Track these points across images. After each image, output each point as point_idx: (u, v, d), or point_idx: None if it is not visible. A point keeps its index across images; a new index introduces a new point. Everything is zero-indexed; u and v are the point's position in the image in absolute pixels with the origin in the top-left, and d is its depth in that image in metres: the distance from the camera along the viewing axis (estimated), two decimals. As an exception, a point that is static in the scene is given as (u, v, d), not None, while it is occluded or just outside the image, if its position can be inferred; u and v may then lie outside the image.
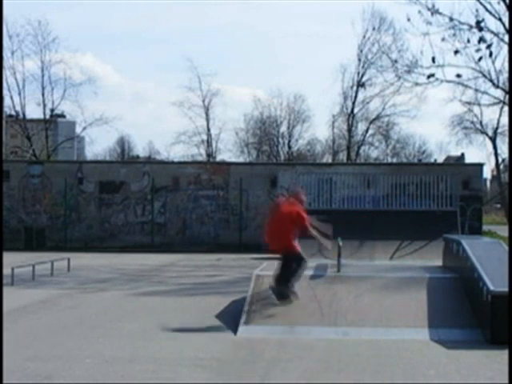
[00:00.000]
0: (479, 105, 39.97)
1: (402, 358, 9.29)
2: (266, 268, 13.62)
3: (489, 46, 21.69)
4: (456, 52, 20.75)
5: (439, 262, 15.87)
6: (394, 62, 24.38)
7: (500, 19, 22.64)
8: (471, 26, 21.21)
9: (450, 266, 13.55)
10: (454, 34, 21.22)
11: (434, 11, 21.03)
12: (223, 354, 9.48)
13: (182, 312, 12.95)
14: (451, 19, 21.32)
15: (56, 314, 12.71)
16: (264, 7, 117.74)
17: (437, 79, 21.30)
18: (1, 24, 23.33)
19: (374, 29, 52.90)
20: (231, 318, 11.73)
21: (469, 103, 40.47)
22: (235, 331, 10.82)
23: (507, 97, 24.19)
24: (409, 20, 21.36)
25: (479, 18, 21.06)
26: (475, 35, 21.11)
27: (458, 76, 21.58)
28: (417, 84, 22.97)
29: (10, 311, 12.76)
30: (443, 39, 21.08)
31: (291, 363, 8.98)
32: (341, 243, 12.93)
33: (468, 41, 21.18)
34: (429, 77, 21.15)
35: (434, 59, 20.62)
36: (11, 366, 8.55)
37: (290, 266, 11.52)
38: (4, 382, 7.68)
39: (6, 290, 15.80)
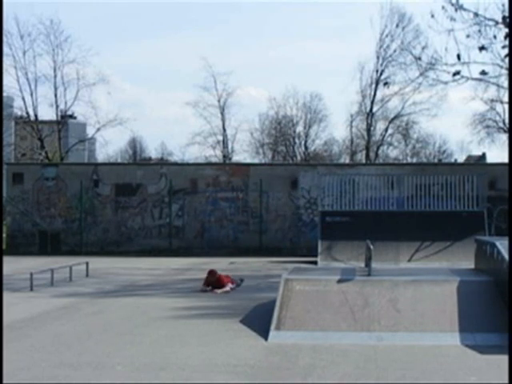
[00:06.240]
0: (501, 102, 39.54)
1: (440, 364, 9.03)
2: (294, 272, 13.35)
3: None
4: (481, 48, 20.31)
5: (467, 264, 15.55)
6: (418, 59, 23.97)
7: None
8: (497, 22, 20.80)
9: (484, 269, 13.22)
10: (479, 31, 20.83)
11: (458, 7, 20.63)
12: (256, 360, 9.19)
13: (206, 317, 12.67)
14: (476, 15, 20.93)
15: (80, 320, 12.44)
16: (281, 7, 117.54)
17: (462, 77, 20.92)
18: (1, 24, 23.14)
19: (396, 26, 52.55)
20: (257, 324, 11.49)
21: (491, 101, 40.06)
22: (265, 337, 10.53)
23: None
24: (433, 16, 20.95)
25: (505, 14, 20.59)
26: (501, 31, 20.70)
27: (484, 73, 21.11)
28: (441, 82, 22.61)
29: (32, 317, 12.60)
30: (468, 36, 20.71)
31: (327, 369, 8.71)
32: (371, 246, 12.60)
33: (494, 37, 20.77)
34: (454, 74, 20.75)
35: (459, 56, 20.20)
36: (40, 374, 8.33)
37: None
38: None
39: (25, 295, 15.69)
